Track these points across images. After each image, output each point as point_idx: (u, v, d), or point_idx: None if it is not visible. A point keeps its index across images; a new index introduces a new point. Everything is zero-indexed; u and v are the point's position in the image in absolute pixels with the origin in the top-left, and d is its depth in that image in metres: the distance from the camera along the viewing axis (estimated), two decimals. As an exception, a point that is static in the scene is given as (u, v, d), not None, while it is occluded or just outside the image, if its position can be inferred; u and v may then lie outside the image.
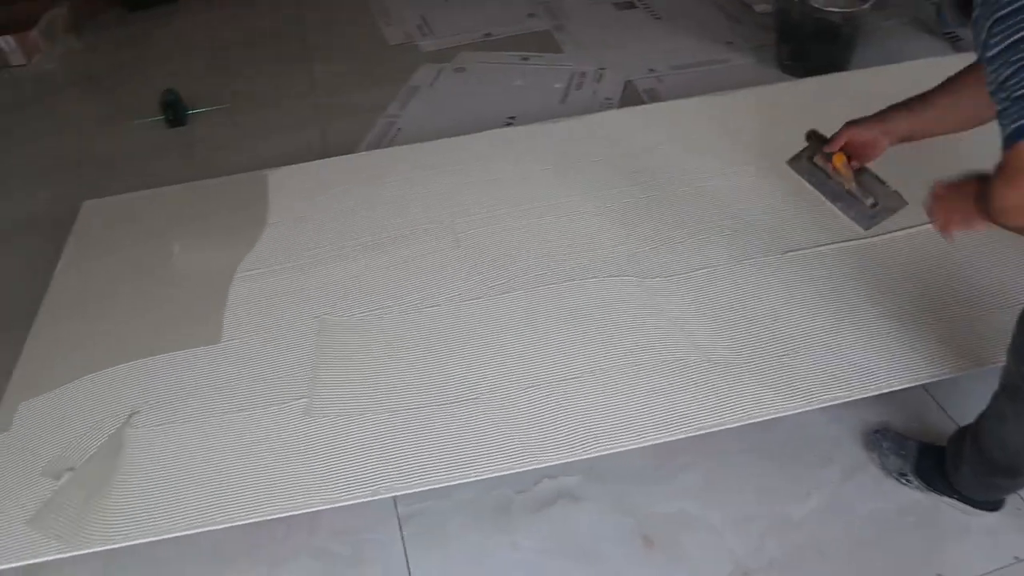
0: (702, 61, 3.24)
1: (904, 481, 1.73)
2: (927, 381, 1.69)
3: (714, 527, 1.69)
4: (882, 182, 1.67)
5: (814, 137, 1.73)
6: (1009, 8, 0.98)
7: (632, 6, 3.71)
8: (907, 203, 1.64)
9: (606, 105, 2.93)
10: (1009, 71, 0.99)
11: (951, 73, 1.42)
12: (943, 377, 1.68)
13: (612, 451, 1.57)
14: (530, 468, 1.56)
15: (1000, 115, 1.02)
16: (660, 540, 1.67)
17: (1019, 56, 0.97)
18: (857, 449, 1.81)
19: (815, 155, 1.71)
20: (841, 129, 1.61)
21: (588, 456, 1.56)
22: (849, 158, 1.63)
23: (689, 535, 1.68)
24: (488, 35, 3.51)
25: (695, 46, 3.34)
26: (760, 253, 1.97)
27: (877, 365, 1.69)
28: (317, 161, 2.48)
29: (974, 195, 1.17)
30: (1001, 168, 1.03)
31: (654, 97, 2.97)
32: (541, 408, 1.65)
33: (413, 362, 1.77)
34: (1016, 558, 1.62)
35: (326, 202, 2.26)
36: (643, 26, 3.54)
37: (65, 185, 2.80)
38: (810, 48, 3.00)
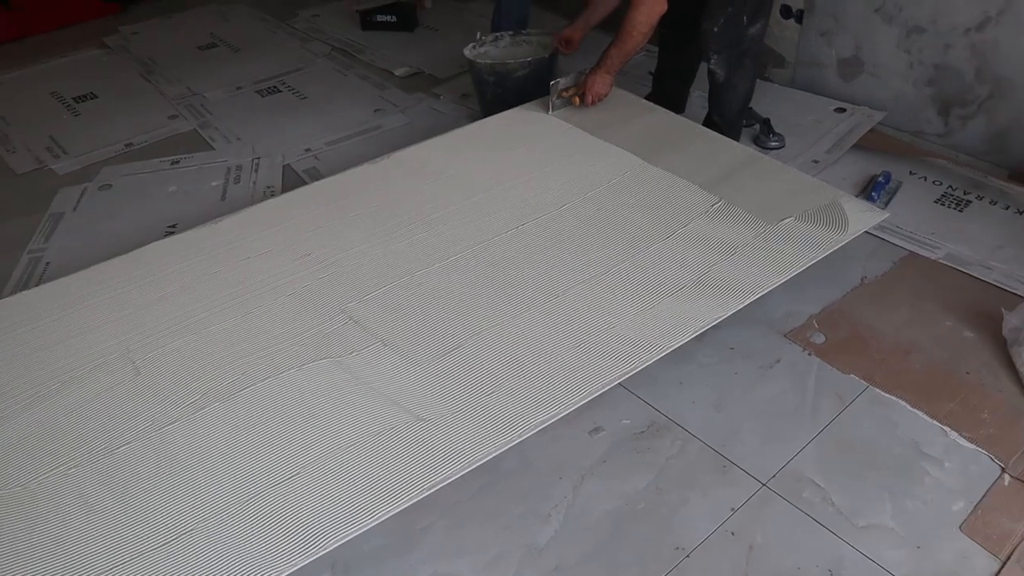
0: (355, 131, 3.33)
1: None
2: (626, 377, 1.85)
3: (469, 578, 1.71)
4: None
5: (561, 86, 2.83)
6: None
7: (276, 91, 3.71)
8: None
9: (268, 194, 2.88)
10: None
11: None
12: (635, 371, 1.86)
13: (348, 538, 1.52)
14: (268, 585, 1.47)
15: None
16: (421, 609, 1.66)
17: None
18: (580, 458, 1.93)
19: (561, 94, 2.84)
20: (585, 81, 2.77)
21: (325, 551, 1.50)
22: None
23: (447, 594, 1.68)
24: (130, 145, 3.32)
25: (346, 118, 3.42)
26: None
27: (584, 371, 1.84)
28: (-48, 321, 2.17)
29: (604, 65, 2.70)
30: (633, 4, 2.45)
31: (315, 176, 2.98)
32: (263, 520, 1.56)
33: (115, 513, 1.60)
34: (732, 508, 1.82)
35: (-29, 364, 1.99)
36: (291, 108, 3.55)
37: None
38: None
